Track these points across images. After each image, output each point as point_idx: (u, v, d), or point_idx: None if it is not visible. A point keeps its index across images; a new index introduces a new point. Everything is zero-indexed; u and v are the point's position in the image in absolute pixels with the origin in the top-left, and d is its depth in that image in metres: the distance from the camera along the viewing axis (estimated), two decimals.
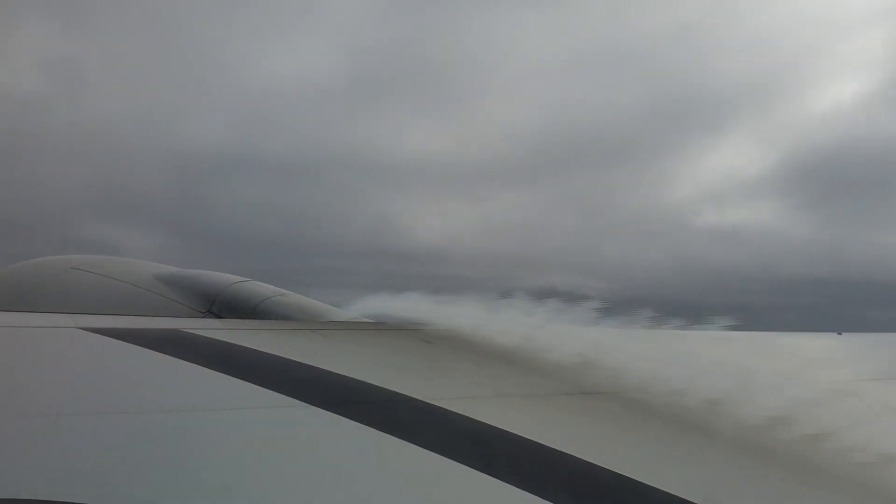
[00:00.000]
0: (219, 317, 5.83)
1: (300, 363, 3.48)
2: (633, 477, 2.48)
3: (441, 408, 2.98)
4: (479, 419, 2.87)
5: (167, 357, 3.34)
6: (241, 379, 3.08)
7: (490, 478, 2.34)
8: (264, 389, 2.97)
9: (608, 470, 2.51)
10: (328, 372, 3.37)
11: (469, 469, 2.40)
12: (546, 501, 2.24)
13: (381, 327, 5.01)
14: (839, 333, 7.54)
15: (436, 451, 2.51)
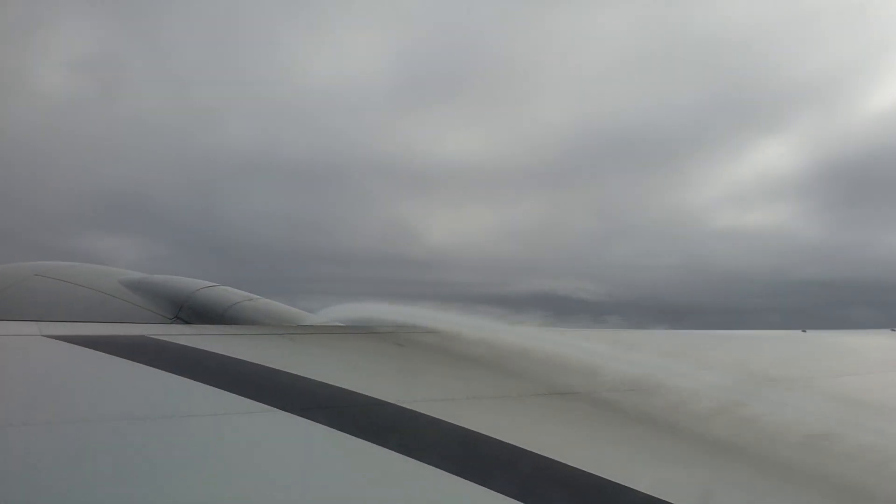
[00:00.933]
0: (187, 322, 5.76)
1: (270, 368, 3.45)
2: (606, 477, 2.49)
3: (413, 411, 2.97)
4: (452, 421, 2.87)
5: (135, 364, 3.29)
6: (211, 385, 3.04)
7: (464, 481, 2.34)
8: (235, 395, 2.93)
9: (582, 471, 2.53)
10: (299, 377, 3.35)
11: (442, 472, 2.39)
12: (520, 503, 2.25)
13: (351, 331, 4.99)
14: (803, 331, 7.72)
15: (408, 455, 2.50)
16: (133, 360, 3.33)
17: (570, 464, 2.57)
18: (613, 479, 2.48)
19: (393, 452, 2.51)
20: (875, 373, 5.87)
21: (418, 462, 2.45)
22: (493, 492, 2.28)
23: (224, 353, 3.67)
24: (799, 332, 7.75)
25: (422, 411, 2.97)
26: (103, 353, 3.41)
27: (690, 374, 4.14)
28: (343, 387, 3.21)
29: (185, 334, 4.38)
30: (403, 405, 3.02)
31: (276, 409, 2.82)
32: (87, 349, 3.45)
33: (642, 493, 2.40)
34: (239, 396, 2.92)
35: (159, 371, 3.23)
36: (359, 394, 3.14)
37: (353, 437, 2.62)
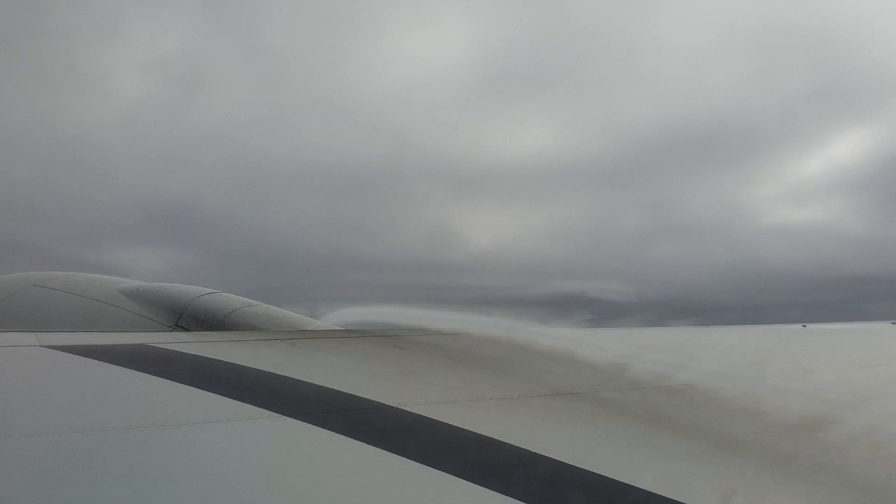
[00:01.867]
0: (187, 330, 5.76)
1: (272, 374, 3.45)
2: (610, 476, 2.50)
3: (415, 414, 2.97)
4: (455, 424, 2.87)
5: (135, 373, 3.28)
6: (213, 392, 3.04)
7: (467, 483, 2.34)
8: (236, 402, 2.93)
9: (585, 470, 2.53)
10: (300, 382, 3.35)
11: (445, 475, 2.39)
12: None
13: (352, 335, 4.99)
14: (804, 326, 7.75)
15: (411, 458, 2.50)
16: (133, 368, 3.33)
17: (574, 464, 2.57)
18: (618, 478, 2.48)
19: (395, 456, 2.51)
20: (871, 367, 5.88)
21: (421, 465, 2.45)
22: (497, 494, 2.28)
23: (224, 360, 3.66)
24: (799, 326, 7.78)
25: (424, 414, 2.97)
26: (103, 363, 3.41)
27: (688, 371, 4.15)
28: (344, 391, 3.21)
29: (185, 342, 4.38)
30: (405, 408, 3.02)
31: (277, 415, 2.82)
32: (86, 359, 3.45)
33: (648, 491, 2.41)
34: (240, 402, 2.92)
35: (160, 379, 3.23)
36: (360, 397, 3.14)
37: (356, 441, 2.62)
